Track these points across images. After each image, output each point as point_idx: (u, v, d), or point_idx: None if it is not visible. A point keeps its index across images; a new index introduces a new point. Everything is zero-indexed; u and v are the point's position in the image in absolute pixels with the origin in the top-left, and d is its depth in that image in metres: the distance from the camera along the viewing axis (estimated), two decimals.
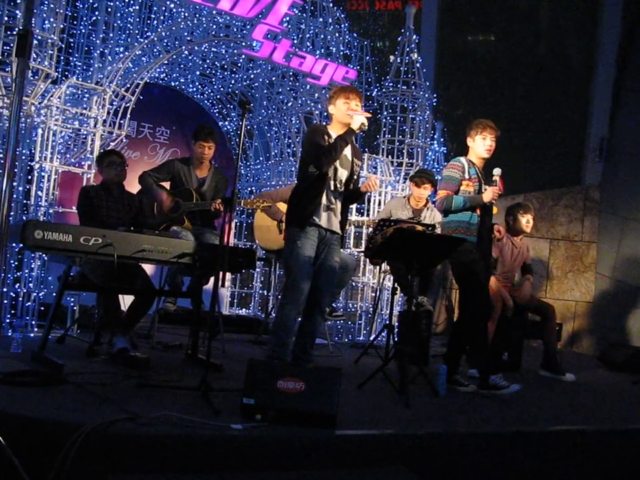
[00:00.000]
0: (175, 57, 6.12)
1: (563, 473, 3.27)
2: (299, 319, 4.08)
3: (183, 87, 7.62)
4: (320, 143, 3.90)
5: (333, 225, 4.02)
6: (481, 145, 4.40)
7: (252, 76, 6.97)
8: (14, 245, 4.58)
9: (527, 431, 3.33)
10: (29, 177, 4.96)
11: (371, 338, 5.93)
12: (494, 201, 4.31)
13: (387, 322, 5.00)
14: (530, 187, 8.93)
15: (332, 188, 3.99)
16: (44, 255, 4.86)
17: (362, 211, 7.01)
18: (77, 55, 5.92)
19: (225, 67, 7.05)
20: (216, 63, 6.94)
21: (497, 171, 4.32)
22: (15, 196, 4.69)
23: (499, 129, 4.44)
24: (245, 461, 2.60)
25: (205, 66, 7.04)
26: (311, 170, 3.92)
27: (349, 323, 6.90)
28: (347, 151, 4.07)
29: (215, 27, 5.80)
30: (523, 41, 12.28)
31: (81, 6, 5.88)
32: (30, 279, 4.88)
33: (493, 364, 4.26)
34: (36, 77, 4.68)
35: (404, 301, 6.54)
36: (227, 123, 8.03)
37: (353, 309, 6.95)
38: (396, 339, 5.04)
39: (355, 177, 4.14)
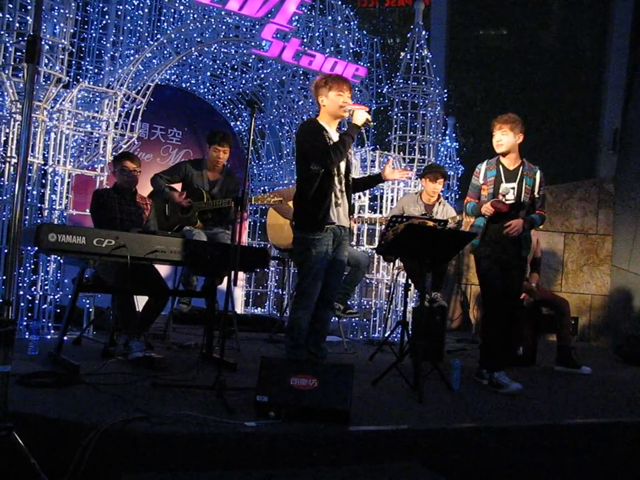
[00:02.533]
0: (185, 58, 6.15)
1: (578, 467, 3.26)
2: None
3: (194, 88, 7.66)
4: (324, 142, 3.83)
5: (343, 220, 3.97)
6: (494, 141, 4.41)
7: (262, 75, 6.98)
8: (29, 248, 4.64)
9: (542, 424, 3.32)
10: (43, 181, 5.02)
11: (386, 334, 5.94)
12: (486, 215, 4.28)
13: (401, 318, 5.00)
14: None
15: (337, 183, 3.93)
16: (59, 258, 4.91)
17: (375, 208, 7.02)
18: (88, 59, 5.95)
19: (235, 67, 7.07)
20: (226, 63, 6.96)
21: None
22: (29, 200, 4.74)
23: (511, 117, 4.30)
24: (259, 458, 2.62)
25: (216, 67, 7.06)
26: (314, 168, 3.82)
27: (364, 320, 6.91)
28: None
29: (224, 27, 5.82)
30: (534, 34, 12.21)
31: (91, 10, 5.92)
32: (46, 282, 4.94)
33: (498, 361, 4.25)
34: (48, 82, 4.73)
35: (418, 296, 6.53)
36: (238, 123, 8.06)
37: (367, 306, 6.96)
38: (410, 334, 5.04)
39: (350, 165, 4.10)
